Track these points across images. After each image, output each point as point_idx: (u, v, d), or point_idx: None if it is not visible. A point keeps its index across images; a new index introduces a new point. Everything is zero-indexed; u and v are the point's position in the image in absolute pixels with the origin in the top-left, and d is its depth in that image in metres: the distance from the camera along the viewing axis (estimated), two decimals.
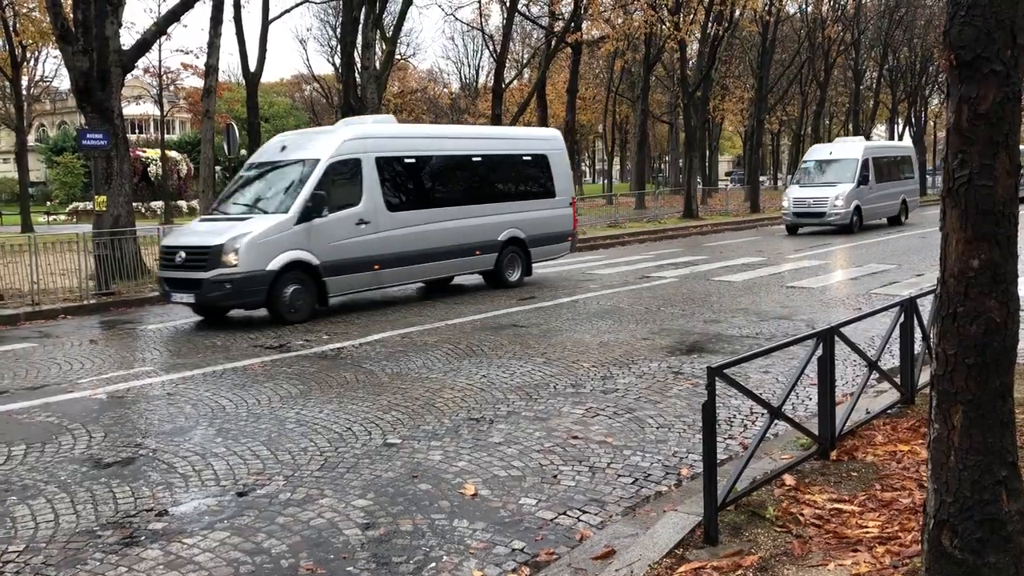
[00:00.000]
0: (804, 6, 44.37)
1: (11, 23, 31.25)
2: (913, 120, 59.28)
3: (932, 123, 67.89)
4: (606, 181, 68.81)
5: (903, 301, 6.55)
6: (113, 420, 7.14)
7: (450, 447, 6.13)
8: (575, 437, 6.30)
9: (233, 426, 6.83)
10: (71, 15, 16.19)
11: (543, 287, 15.26)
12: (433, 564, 4.30)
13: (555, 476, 5.49)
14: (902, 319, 6.47)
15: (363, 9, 23.41)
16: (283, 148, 13.48)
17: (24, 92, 37.90)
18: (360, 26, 23.77)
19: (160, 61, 41.49)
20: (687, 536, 4.25)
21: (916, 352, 6.68)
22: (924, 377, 6.50)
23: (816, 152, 28.81)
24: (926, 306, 6.97)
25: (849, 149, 27.44)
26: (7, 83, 35.70)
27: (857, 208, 25.59)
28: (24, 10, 30.43)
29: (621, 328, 10.81)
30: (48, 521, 4.99)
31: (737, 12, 36.42)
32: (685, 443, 6.13)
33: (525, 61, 53.93)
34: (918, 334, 6.70)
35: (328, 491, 5.32)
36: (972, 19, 2.95)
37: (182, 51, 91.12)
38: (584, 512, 4.92)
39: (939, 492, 3.18)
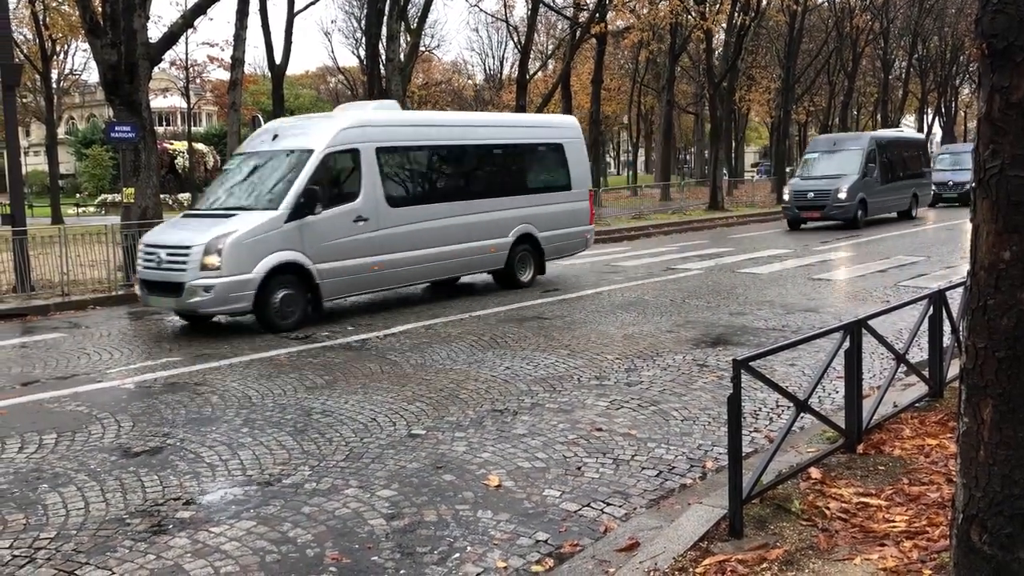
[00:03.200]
0: None
1: (41, 17, 31.62)
2: (943, 110, 58.50)
3: (963, 113, 66.98)
4: (631, 172, 68.55)
5: (932, 293, 6.47)
6: (141, 410, 7.22)
7: (474, 438, 6.15)
8: (599, 429, 6.29)
9: (259, 416, 6.89)
10: (100, 9, 16.33)
11: (567, 279, 15.23)
12: (457, 554, 4.32)
13: (579, 468, 5.49)
14: (931, 312, 6.40)
15: (388, 1, 23.44)
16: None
17: (54, 85, 38.32)
18: (385, 18, 23.81)
19: (187, 54, 41.89)
20: (712, 529, 4.23)
21: (945, 345, 6.60)
22: (953, 371, 6.43)
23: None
24: (955, 299, 6.88)
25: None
26: (37, 76, 36.08)
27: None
28: (54, 4, 30.75)
29: (646, 320, 10.78)
30: (79, 509, 5.06)
31: (764, 1, 36.13)
32: (710, 436, 6.10)
33: (550, 52, 53.73)
34: (947, 327, 6.62)
35: (353, 481, 5.36)
36: (1005, 7, 2.90)
37: (208, 44, 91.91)
38: (608, 504, 4.92)
39: (968, 487, 3.14)
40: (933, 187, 30.60)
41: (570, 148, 15.26)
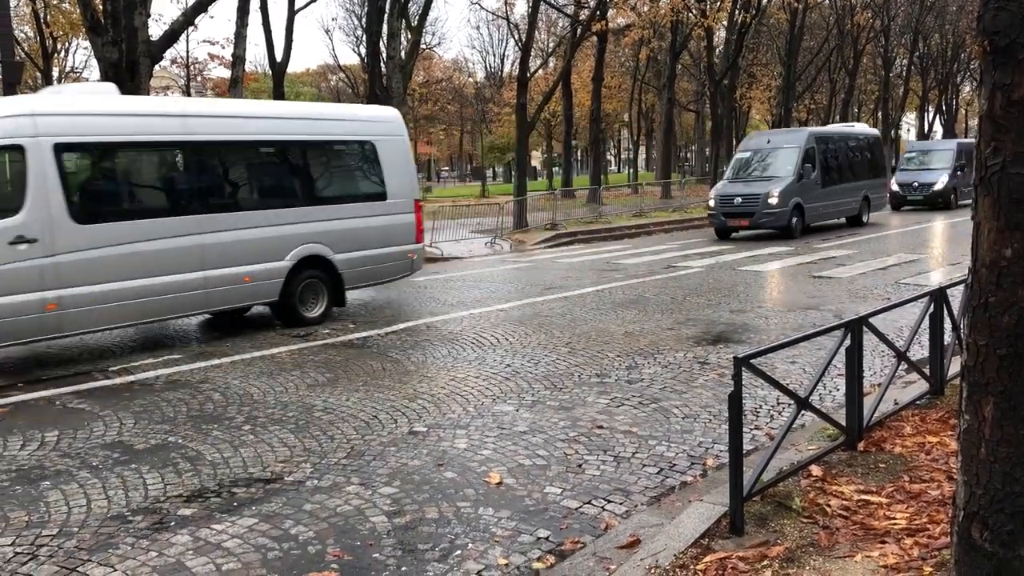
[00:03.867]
0: None
1: (42, 14, 31.63)
2: (944, 108, 58.46)
3: (964, 111, 66.93)
4: (631, 170, 68.53)
5: (933, 291, 6.47)
6: (143, 407, 7.23)
7: (475, 436, 6.15)
8: (600, 426, 6.29)
9: (261, 413, 6.90)
10: (100, 6, 16.33)
11: (568, 276, 15.24)
12: (459, 551, 4.33)
13: (580, 465, 5.50)
14: (932, 309, 6.40)
15: None
16: None
17: (55, 83, 38.32)
18: (386, 15, 23.80)
19: (188, 52, 41.97)
20: (713, 526, 4.24)
21: (946, 343, 6.61)
22: (954, 368, 6.44)
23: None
24: (956, 296, 6.88)
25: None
26: (39, 74, 36.12)
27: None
28: (55, 2, 30.77)
29: (646, 318, 10.78)
30: (80, 506, 5.07)
31: None
32: (711, 433, 6.11)
33: (550, 50, 53.70)
34: (948, 324, 6.62)
35: (355, 479, 5.36)
36: (1007, 4, 2.90)
37: (209, 42, 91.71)
38: (609, 501, 4.92)
39: (969, 484, 3.14)
40: (896, 187, 29.92)
41: (386, 147, 12.14)
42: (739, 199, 21.31)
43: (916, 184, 30.16)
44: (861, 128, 28.25)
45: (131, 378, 8.36)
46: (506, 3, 37.47)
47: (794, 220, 21.18)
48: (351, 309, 12.03)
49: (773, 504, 4.46)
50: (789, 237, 20.66)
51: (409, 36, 28.37)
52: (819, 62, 47.79)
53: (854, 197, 24.21)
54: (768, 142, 23.56)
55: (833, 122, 52.78)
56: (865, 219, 24.57)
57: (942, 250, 17.82)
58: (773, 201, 20.78)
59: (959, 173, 29.99)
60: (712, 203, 22.35)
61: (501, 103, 61.68)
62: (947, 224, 23.70)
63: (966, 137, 48.19)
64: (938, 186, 29.80)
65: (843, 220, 24.37)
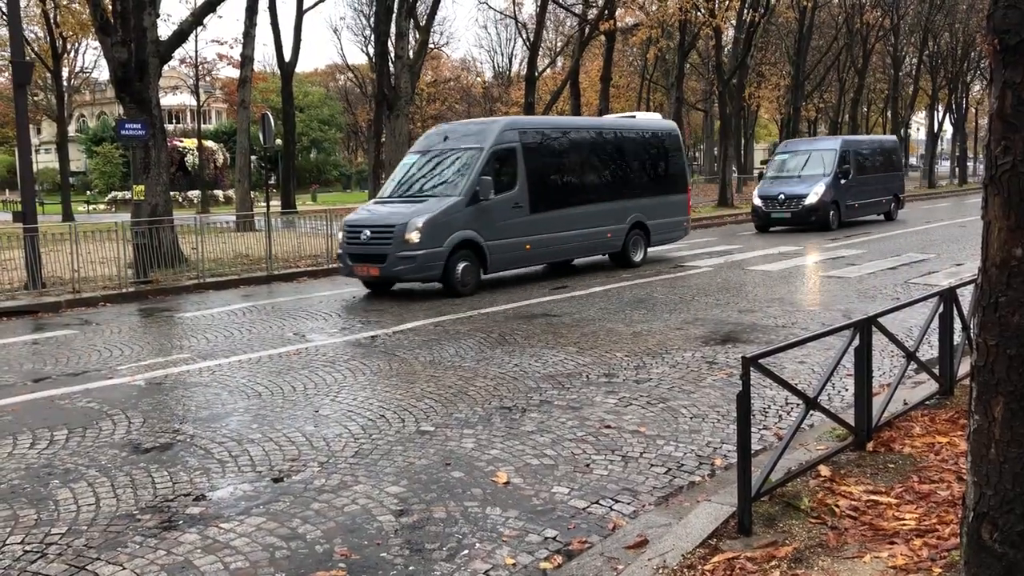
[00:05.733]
0: None
1: (52, 15, 31.76)
2: (954, 107, 58.22)
3: (974, 110, 66.63)
4: None
5: (943, 291, 6.45)
6: (152, 406, 7.25)
7: (483, 435, 6.15)
8: (608, 426, 6.29)
9: (269, 412, 6.91)
10: (110, 7, 16.39)
11: (575, 276, 15.23)
12: (466, 551, 4.32)
13: (588, 465, 5.49)
14: (941, 309, 6.37)
15: None
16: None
17: (65, 83, 38.49)
18: (394, 15, 23.82)
19: (196, 52, 42.03)
20: (721, 526, 4.23)
21: (955, 343, 6.58)
22: (963, 368, 6.41)
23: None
24: (966, 296, 6.86)
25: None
26: (48, 74, 36.28)
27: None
28: (64, 2, 30.88)
29: (655, 318, 10.76)
30: (89, 504, 5.08)
31: None
32: (719, 433, 6.10)
33: (558, 49, 53.71)
34: (958, 324, 6.59)
35: (362, 478, 5.37)
36: (1017, 2, 2.88)
37: (218, 42, 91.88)
38: (617, 501, 4.92)
39: (979, 485, 3.13)
40: (758, 202, 23.96)
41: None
42: (367, 233, 13.59)
43: (782, 197, 23.32)
44: (648, 119, 22.33)
45: (140, 376, 8.39)
46: (514, 2, 37.48)
47: (454, 274, 13.31)
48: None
49: (781, 504, 4.45)
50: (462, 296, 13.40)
51: (417, 36, 28.36)
52: (828, 61, 47.62)
53: (605, 227, 16.39)
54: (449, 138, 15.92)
55: (842, 121, 52.59)
56: (637, 258, 16.75)
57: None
58: (413, 239, 13.02)
59: (842, 182, 23.74)
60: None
61: (509, 102, 61.63)
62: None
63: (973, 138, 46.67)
64: (810, 199, 22.97)
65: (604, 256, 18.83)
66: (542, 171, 14.78)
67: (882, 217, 26.41)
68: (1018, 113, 2.91)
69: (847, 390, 6.81)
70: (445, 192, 13.76)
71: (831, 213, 23.36)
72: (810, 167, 24.43)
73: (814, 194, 23.18)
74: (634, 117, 18.91)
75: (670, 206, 17.50)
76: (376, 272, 13.32)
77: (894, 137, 31.00)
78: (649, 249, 17.07)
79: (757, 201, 24.30)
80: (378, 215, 13.91)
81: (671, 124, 19.10)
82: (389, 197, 14.63)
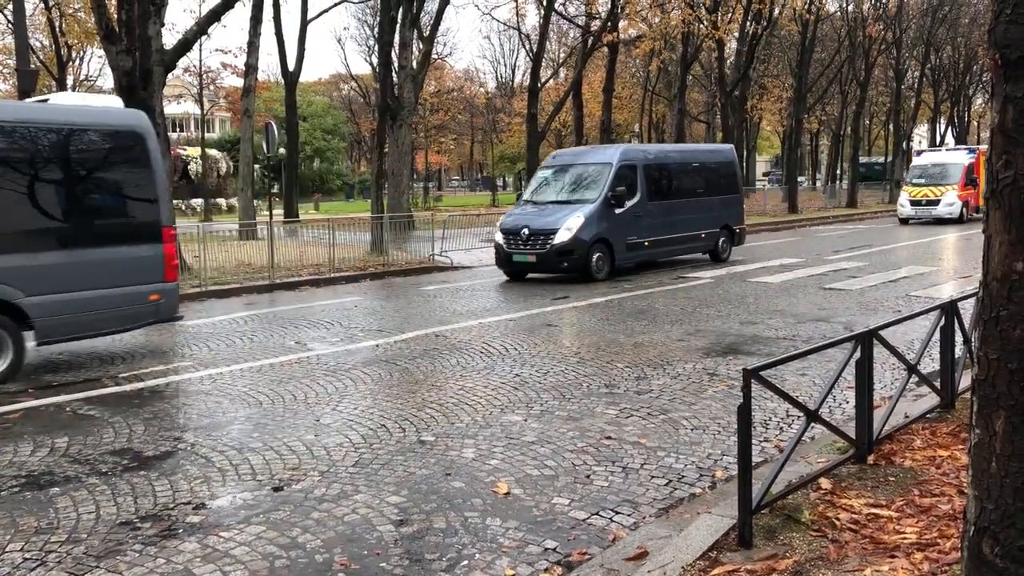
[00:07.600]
0: (845, 4, 43.79)
1: (57, 23, 31.89)
2: (956, 120, 58.28)
3: (976, 123, 66.70)
4: None
5: (944, 304, 6.45)
6: (152, 414, 7.25)
7: (483, 445, 6.15)
8: (608, 437, 6.28)
9: (270, 421, 6.91)
10: (115, 16, 16.46)
11: (575, 287, 15.23)
12: (466, 562, 4.32)
13: (588, 476, 5.48)
14: (943, 322, 6.37)
15: (400, 9, 23.56)
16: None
17: (69, 91, 38.60)
18: (397, 26, 23.93)
19: (200, 60, 42.15)
20: (721, 539, 4.22)
21: (957, 356, 6.57)
22: (965, 381, 6.40)
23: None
24: (967, 309, 6.85)
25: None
26: (53, 82, 36.36)
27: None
28: (70, 10, 31.03)
29: (656, 329, 10.76)
30: (90, 512, 5.08)
31: (776, 11, 36.08)
32: (719, 445, 6.09)
33: (561, 60, 53.84)
34: (959, 338, 6.59)
35: (362, 487, 5.36)
36: (1018, 17, 2.89)
37: (222, 51, 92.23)
38: (617, 513, 4.91)
39: (980, 499, 3.12)
40: (500, 239, 17.04)
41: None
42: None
43: (526, 232, 16.50)
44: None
45: (141, 384, 8.39)
46: (517, 14, 37.60)
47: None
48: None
49: (782, 517, 4.44)
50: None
51: (421, 46, 28.45)
52: (830, 74, 47.65)
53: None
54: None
55: (844, 133, 52.57)
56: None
57: None
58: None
59: (617, 211, 16.85)
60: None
61: (512, 113, 61.82)
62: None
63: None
64: (560, 237, 16.09)
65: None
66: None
67: (706, 256, 19.61)
68: (1019, 127, 2.92)
69: (848, 403, 6.80)
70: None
71: (596, 257, 16.19)
72: (580, 190, 17.36)
73: (566, 229, 16.06)
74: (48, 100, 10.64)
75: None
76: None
77: (728, 146, 23.37)
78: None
79: (499, 238, 17.14)
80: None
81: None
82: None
